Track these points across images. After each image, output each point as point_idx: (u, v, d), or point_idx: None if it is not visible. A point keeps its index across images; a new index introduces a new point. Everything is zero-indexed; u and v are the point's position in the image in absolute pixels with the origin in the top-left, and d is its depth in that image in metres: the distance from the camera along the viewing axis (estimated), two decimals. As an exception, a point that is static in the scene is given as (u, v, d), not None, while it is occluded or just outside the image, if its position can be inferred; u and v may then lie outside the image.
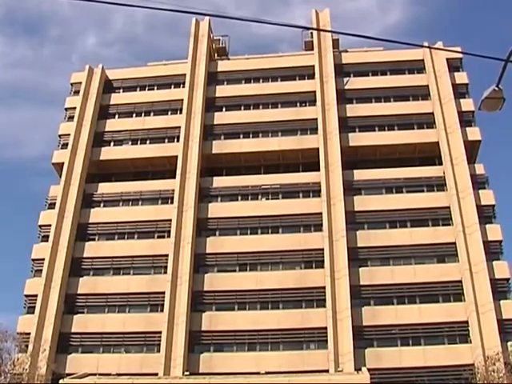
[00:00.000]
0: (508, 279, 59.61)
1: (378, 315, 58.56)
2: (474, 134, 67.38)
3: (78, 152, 70.20)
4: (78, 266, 64.70)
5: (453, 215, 61.96)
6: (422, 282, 58.99)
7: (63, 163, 69.59)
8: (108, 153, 71.63)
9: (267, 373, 51.08)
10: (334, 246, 61.41)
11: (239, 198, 67.20)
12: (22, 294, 63.89)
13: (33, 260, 65.69)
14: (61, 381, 45.20)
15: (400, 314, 58.15)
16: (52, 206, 67.94)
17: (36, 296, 61.87)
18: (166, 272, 62.22)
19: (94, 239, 66.70)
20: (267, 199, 66.49)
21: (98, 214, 67.65)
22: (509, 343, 52.32)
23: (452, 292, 59.32)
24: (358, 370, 53.19)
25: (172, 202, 65.94)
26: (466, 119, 67.97)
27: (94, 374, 49.45)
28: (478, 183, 64.31)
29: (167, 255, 62.70)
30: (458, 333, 57.51)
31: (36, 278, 63.69)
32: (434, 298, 59.13)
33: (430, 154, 66.16)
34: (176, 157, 67.91)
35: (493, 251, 60.50)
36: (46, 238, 65.74)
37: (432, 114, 68.63)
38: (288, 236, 63.87)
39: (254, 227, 65.14)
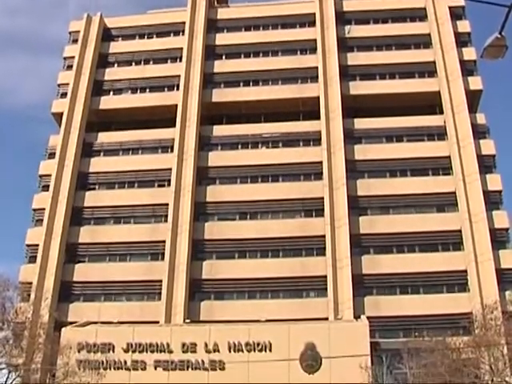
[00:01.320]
0: (507, 229, 59.77)
1: (377, 264, 58.86)
2: (475, 83, 66.77)
3: (78, 101, 69.68)
4: (78, 215, 64.86)
5: (453, 164, 61.82)
6: (422, 231, 59.12)
7: (62, 113, 69.14)
8: (107, 102, 71.14)
9: (267, 320, 51.46)
10: (334, 194, 61.47)
11: (239, 146, 67.00)
12: (23, 243, 64.52)
13: (33, 210, 65.76)
14: (63, 329, 45.62)
15: (399, 262, 58.42)
16: (52, 155, 67.76)
17: (37, 245, 62.20)
18: (166, 221, 62.41)
19: (94, 188, 66.67)
20: (267, 148, 66.27)
21: (98, 164, 67.53)
22: (507, 292, 52.70)
23: (451, 241, 59.50)
24: (357, 317, 53.68)
25: (172, 151, 65.80)
26: (467, 68, 67.24)
27: (96, 322, 49.93)
28: (479, 133, 63.92)
29: (167, 204, 62.84)
30: (456, 282, 57.90)
31: (37, 228, 63.90)
32: (433, 247, 59.35)
33: (431, 103, 65.58)
34: (176, 105, 67.49)
35: (492, 201, 60.52)
36: (46, 188, 65.72)
37: (433, 62, 67.90)
38: (288, 185, 63.84)
39: (254, 176, 65.08)
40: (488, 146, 63.37)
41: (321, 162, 63.19)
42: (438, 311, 54.75)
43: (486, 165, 62.35)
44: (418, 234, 59.25)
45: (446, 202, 61.24)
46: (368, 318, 50.04)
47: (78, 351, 42.00)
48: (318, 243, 60.34)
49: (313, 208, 62.69)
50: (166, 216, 62.61)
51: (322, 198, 61.38)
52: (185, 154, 65.03)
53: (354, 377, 37.23)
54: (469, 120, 63.26)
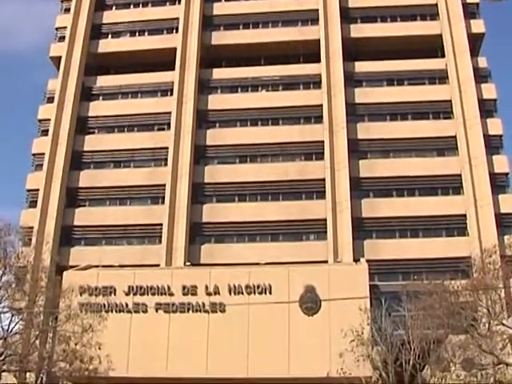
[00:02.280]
0: (507, 174, 59.67)
1: (377, 207, 58.98)
2: (477, 26, 65.82)
3: (76, 45, 68.61)
4: (78, 159, 64.64)
5: (454, 108, 61.43)
6: (422, 175, 59.07)
7: (61, 56, 68.18)
8: (106, 45, 70.16)
9: (267, 263, 51.74)
10: (334, 137, 61.27)
11: (239, 89, 66.50)
12: (23, 188, 64.57)
13: (33, 155, 65.50)
14: (65, 272, 45.92)
15: (399, 206, 58.51)
16: (51, 99, 67.14)
17: (37, 190, 62.13)
18: (166, 164, 62.33)
19: (93, 133, 66.34)
20: (267, 91, 65.80)
21: (97, 108, 67.02)
22: (505, 237, 52.87)
23: (451, 185, 59.51)
24: (356, 260, 54.01)
25: (171, 94, 65.27)
26: (469, 11, 66.25)
27: (97, 266, 50.19)
28: (480, 77, 63.27)
29: (167, 148, 62.66)
30: (456, 226, 58.10)
31: (37, 173, 63.77)
32: (433, 191, 59.35)
33: (432, 46, 64.59)
34: (175, 48, 66.67)
35: (493, 145, 60.31)
36: (45, 133, 65.29)
37: (435, 5, 66.75)
38: (288, 128, 63.54)
39: (254, 119, 64.78)
40: (489, 90, 62.86)
41: (321, 105, 62.79)
42: (437, 255, 55.07)
43: (487, 109, 61.93)
44: (418, 178, 59.20)
45: (446, 146, 61.01)
46: (367, 261, 50.36)
47: (80, 294, 42.30)
48: (318, 186, 60.38)
49: (313, 151, 62.56)
50: (166, 160, 62.48)
51: (322, 142, 61.21)
52: (184, 97, 64.56)
53: (353, 319, 37.59)
54: (470, 64, 62.58)
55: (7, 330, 36.04)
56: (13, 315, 36.88)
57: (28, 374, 39.22)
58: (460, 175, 59.04)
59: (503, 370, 34.61)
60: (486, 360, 34.77)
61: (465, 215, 57.68)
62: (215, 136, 64.17)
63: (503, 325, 35.05)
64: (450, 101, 62.05)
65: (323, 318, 41.68)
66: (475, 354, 35.10)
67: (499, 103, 62.97)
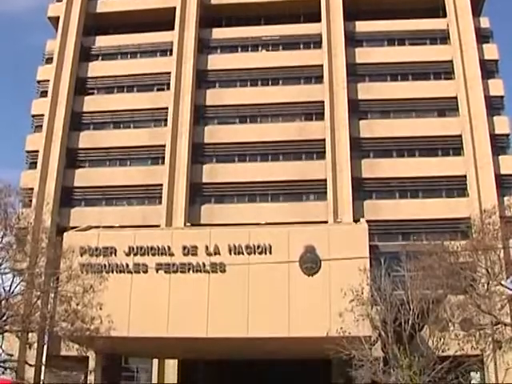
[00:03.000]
0: (508, 135, 59.66)
1: (377, 168, 59.06)
2: (479, -16, 65.23)
3: (74, 5, 67.73)
4: (78, 120, 64.57)
5: (455, 69, 61.07)
6: (422, 136, 59.04)
7: (59, 17, 67.59)
8: (105, 5, 69.25)
9: (267, 223, 51.90)
10: (335, 98, 61.09)
11: (239, 49, 66.09)
12: (23, 150, 64.57)
13: (32, 116, 65.52)
14: (65, 233, 46.00)
15: (399, 166, 58.60)
16: (49, 60, 66.68)
17: (37, 152, 62.18)
18: (166, 125, 62.24)
19: (92, 93, 66.10)
20: (267, 51, 65.38)
21: (96, 68, 66.62)
22: (505, 198, 52.99)
23: (451, 146, 59.47)
24: (356, 221, 54.13)
25: (171, 55, 64.84)
26: (471, -31, 65.56)
27: (98, 227, 50.25)
28: (482, 37, 62.85)
29: (167, 108, 62.47)
30: (455, 186, 58.22)
31: (36, 134, 63.76)
32: (433, 151, 59.37)
33: (434, 6, 63.82)
34: (174, 8, 66.00)
35: (494, 106, 60.21)
36: (44, 94, 65.07)
37: (437, -37, 66.13)
38: (288, 88, 63.33)
39: (254, 79, 64.51)
40: (491, 51, 62.48)
41: (321, 65, 62.45)
42: (436, 215, 55.29)
43: (489, 70, 61.71)
44: (418, 139, 59.19)
45: (446, 107, 60.88)
46: (367, 221, 50.39)
47: (81, 255, 42.34)
48: (318, 147, 60.39)
49: (313, 111, 62.47)
50: (166, 120, 62.35)
51: (322, 102, 61.04)
52: (184, 57, 64.13)
53: (353, 279, 37.61)
54: (472, 24, 62.12)
55: (9, 290, 36.18)
56: (14, 276, 36.98)
57: (30, 334, 39.53)
58: (460, 136, 58.97)
59: (501, 330, 34.85)
60: (485, 320, 34.99)
61: (465, 176, 57.74)
62: (215, 96, 63.95)
63: (502, 285, 35.23)
64: (451, 61, 61.69)
65: (323, 278, 41.77)
66: (474, 314, 35.29)
67: (501, 64, 62.76)
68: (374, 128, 60.52)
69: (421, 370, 33.65)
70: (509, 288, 34.52)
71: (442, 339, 35.22)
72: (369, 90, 61.90)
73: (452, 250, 37.50)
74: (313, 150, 61.01)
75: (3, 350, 40.45)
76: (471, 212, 49.41)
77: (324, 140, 59.87)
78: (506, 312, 35.35)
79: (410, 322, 34.81)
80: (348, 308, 36.10)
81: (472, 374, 45.64)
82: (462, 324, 36.00)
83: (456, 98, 60.28)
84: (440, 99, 60.79)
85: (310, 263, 42.40)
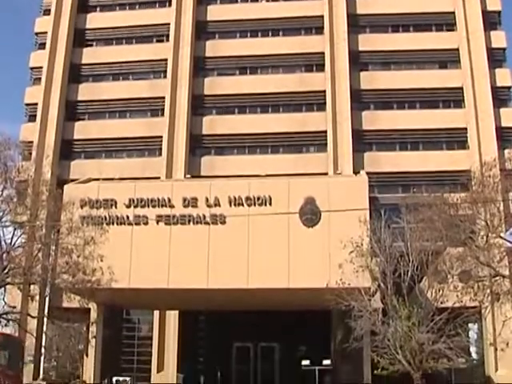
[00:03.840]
0: (509, 87, 59.13)
1: (377, 120, 58.85)
2: None
3: (73, -45, 66.87)
4: (76, 72, 64.02)
5: (457, 20, 60.26)
6: (423, 88, 58.54)
7: (57, -33, 66.65)
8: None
9: (267, 175, 51.85)
10: (335, 49, 60.59)
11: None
12: (22, 103, 64.14)
13: (31, 68, 65.00)
14: (65, 186, 45.98)
15: (399, 118, 58.35)
16: (47, 12, 65.72)
17: (36, 104, 61.89)
18: (165, 77, 61.87)
19: (91, 45, 65.32)
20: (267, 1, 64.52)
21: (94, 20, 65.67)
22: (506, 150, 52.79)
23: (452, 98, 59.14)
24: (356, 172, 54.21)
25: (170, 5, 64.04)
26: None
27: (98, 179, 50.24)
28: (485, -13, 62.11)
29: (166, 60, 62.02)
30: (456, 139, 58.08)
31: (35, 87, 63.24)
32: (434, 103, 59.07)
33: None
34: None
35: (496, 58, 59.63)
36: (42, 46, 64.34)
37: None
38: (289, 39, 62.73)
39: (254, 30, 63.80)
40: (493, 2, 61.45)
41: (322, 16, 61.74)
42: (436, 168, 55.24)
43: (491, 21, 60.86)
44: (419, 91, 58.76)
45: (448, 59, 60.31)
46: (367, 173, 50.44)
47: (81, 207, 42.39)
48: (318, 98, 60.16)
49: (313, 63, 62.06)
50: (165, 72, 61.95)
51: (323, 53, 60.61)
52: (183, 7, 63.30)
53: (353, 230, 37.72)
54: (473, -26, 61.26)
55: (10, 243, 36.34)
56: (15, 229, 37.07)
57: (32, 286, 39.76)
58: (462, 88, 58.60)
59: (500, 282, 35.02)
60: (483, 272, 35.16)
61: (465, 128, 57.57)
62: (214, 47, 63.38)
63: (501, 238, 35.28)
64: (453, 12, 60.90)
65: (323, 230, 41.91)
66: (473, 266, 35.46)
67: (503, 16, 61.88)
68: (375, 80, 60.13)
69: (419, 320, 34.00)
70: (508, 240, 34.58)
71: (441, 291, 35.53)
72: (370, 42, 61.28)
73: (452, 203, 37.57)
74: (313, 101, 60.74)
75: (5, 303, 40.71)
76: (471, 164, 49.27)
77: (324, 91, 59.55)
78: (504, 264, 35.47)
79: (409, 273, 35.06)
80: (348, 259, 36.31)
81: (470, 325, 46.12)
82: (461, 276, 36.23)
83: (457, 49, 59.68)
84: (441, 51, 60.15)
85: (310, 215, 42.51)
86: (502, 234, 35.51)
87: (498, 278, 35.08)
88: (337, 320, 49.76)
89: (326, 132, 58.38)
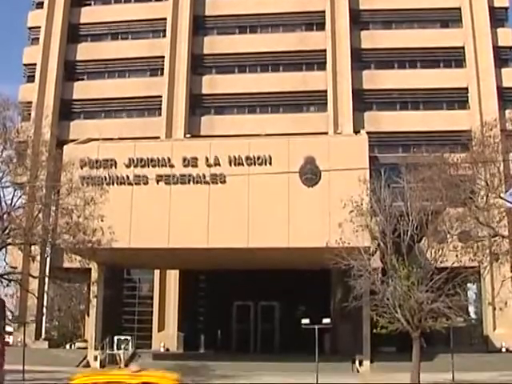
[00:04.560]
0: (511, 47, 58.79)
1: (378, 79, 58.60)
2: None
3: None
4: (75, 32, 63.68)
5: (458, -23, 59.88)
6: (424, 47, 58.20)
7: None
8: None
9: (267, 135, 51.74)
10: (336, 7, 60.26)
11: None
12: (21, 63, 63.91)
13: (29, 28, 64.61)
14: (65, 146, 45.89)
15: (400, 78, 58.08)
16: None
17: (35, 65, 61.55)
18: (164, 36, 61.66)
19: (90, 4, 64.94)
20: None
21: (92, -21, 65.25)
22: (507, 111, 52.71)
23: (453, 58, 58.84)
24: (356, 132, 54.09)
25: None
26: None
27: (97, 139, 50.08)
28: None
29: (165, 18, 61.85)
30: (457, 99, 57.97)
31: (34, 47, 62.96)
32: (435, 63, 58.83)
33: None
34: None
35: (498, 18, 59.19)
36: (40, 5, 63.94)
37: None
38: (289, -2, 62.10)
39: (254, -12, 63.11)
40: (495, -39, 60.83)
41: (322, -28, 61.01)
42: (437, 128, 55.11)
43: (494, -20, 60.27)
44: (420, 50, 58.46)
45: (450, 18, 59.85)
46: (367, 133, 50.23)
47: (81, 168, 42.31)
48: (319, 57, 59.89)
49: (313, 21, 61.77)
50: (164, 31, 61.69)
51: (323, 12, 60.37)
52: (182, -35, 62.61)
53: (353, 189, 37.59)
54: None
55: (10, 204, 36.31)
56: (15, 190, 37.06)
57: (33, 247, 39.82)
58: (463, 48, 58.28)
59: (499, 242, 35.10)
60: (483, 232, 35.20)
61: (466, 88, 57.37)
62: (214, 5, 62.86)
63: (501, 198, 35.26)
64: (454, -29, 60.25)
65: (323, 189, 41.89)
66: (472, 226, 35.48)
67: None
68: (376, 39, 59.70)
69: (418, 280, 34.07)
70: (508, 201, 34.57)
71: (440, 251, 35.56)
72: (370, 0, 60.61)
73: (452, 163, 37.50)
74: (313, 60, 60.45)
75: (7, 263, 40.89)
76: (472, 124, 49.15)
77: (325, 50, 59.23)
78: (504, 224, 35.56)
79: (408, 233, 35.04)
80: (347, 219, 36.24)
81: (469, 285, 46.42)
82: (461, 236, 36.29)
83: (459, 8, 59.20)
84: (443, 10, 59.61)
85: (310, 174, 42.43)
86: (501, 195, 35.51)
87: (497, 238, 35.17)
88: (336, 279, 50.09)
89: (326, 91, 58.21)
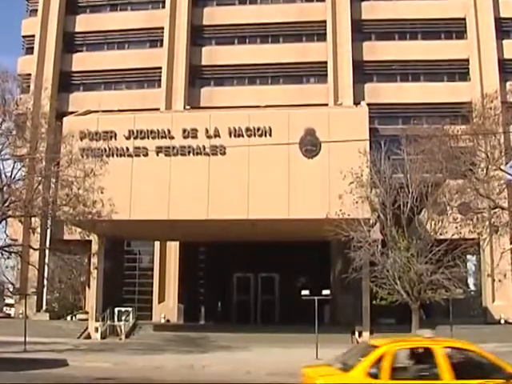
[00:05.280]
0: (513, 18, 58.45)
1: (378, 50, 58.22)
2: None
3: None
4: (74, 3, 63.10)
5: None
6: (425, 18, 57.45)
7: None
8: None
9: (267, 106, 51.66)
10: (336, -23, 59.56)
11: None
12: (19, 35, 63.69)
13: (27, 0, 64.15)
14: (65, 118, 45.77)
15: (401, 49, 57.68)
16: None
17: (33, 36, 61.21)
18: (163, 7, 61.03)
19: (88, -23, 64.50)
20: None
21: None
22: (508, 83, 52.44)
23: (455, 29, 58.38)
24: (357, 104, 53.86)
25: None
26: None
27: (97, 111, 49.97)
28: None
29: (165, -9, 61.17)
30: (457, 70, 57.63)
31: (32, 18, 62.54)
32: (435, 34, 58.27)
33: None
34: None
35: (500, -13, 58.79)
36: (38, -23, 63.44)
37: None
38: (288, -32, 61.63)
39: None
40: None
41: None
42: (437, 99, 54.86)
43: None
44: (421, 21, 57.82)
45: (451, -11, 59.39)
46: (368, 104, 50.01)
47: (81, 140, 42.17)
48: (319, 28, 59.48)
49: (314, -7, 61.09)
50: (164, 1, 61.12)
51: (324, -17, 59.64)
52: None
53: (353, 161, 37.66)
54: None
55: (10, 176, 36.31)
56: (15, 162, 37.01)
57: (33, 219, 39.90)
58: (464, 19, 57.75)
59: (499, 214, 35.23)
60: (483, 204, 35.30)
61: (467, 60, 57.02)
62: (214, -24, 62.32)
63: (501, 170, 35.36)
64: None
65: (323, 160, 41.79)
66: (472, 198, 35.59)
67: None
68: (376, 9, 59.17)
69: (418, 252, 34.31)
70: (508, 173, 34.69)
71: (440, 222, 35.76)
72: (371, -30, 60.18)
73: (452, 134, 37.45)
74: (313, 31, 60.10)
75: (7, 235, 40.98)
76: (473, 96, 48.91)
77: (325, 21, 58.83)
78: (503, 196, 35.66)
79: (408, 205, 35.21)
80: (347, 190, 36.36)
81: (468, 256, 46.55)
82: (460, 208, 36.42)
83: (461, -22, 58.69)
84: (444, -20, 59.13)
85: (310, 146, 42.34)
86: (502, 167, 35.59)
87: (497, 210, 35.27)
88: (336, 251, 50.25)
89: (326, 63, 57.93)
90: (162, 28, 59.96)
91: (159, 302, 55.59)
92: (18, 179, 37.16)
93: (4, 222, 38.63)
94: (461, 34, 58.16)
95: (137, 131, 44.26)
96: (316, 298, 36.80)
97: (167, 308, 54.94)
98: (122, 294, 55.88)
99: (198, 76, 60.36)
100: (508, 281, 38.47)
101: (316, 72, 59.16)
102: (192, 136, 43.62)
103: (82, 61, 61.46)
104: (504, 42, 57.18)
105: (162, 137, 44.01)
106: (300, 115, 44.66)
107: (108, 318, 48.70)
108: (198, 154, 43.46)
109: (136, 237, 55.10)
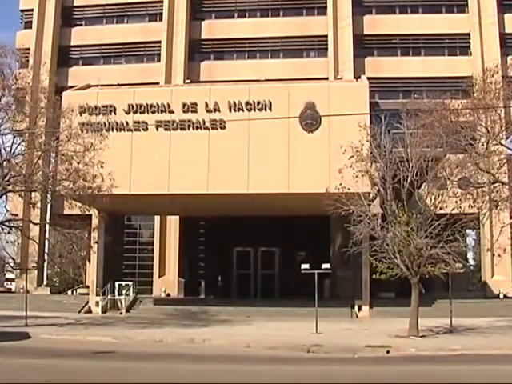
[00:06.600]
0: (515, -7, 58.05)
1: (379, 24, 58.07)
2: None
3: None
4: (72, -24, 62.86)
5: None
6: (427, -9, 57.59)
7: None
8: None
9: (267, 80, 51.52)
10: (336, -49, 59.09)
11: None
12: (18, 9, 63.27)
13: (26, -25, 63.79)
14: (64, 93, 45.61)
15: (401, 23, 57.60)
16: None
17: (32, 10, 60.89)
18: (163, -19, 60.63)
19: (87, -51, 63.92)
20: None
21: None
22: (509, 57, 52.20)
23: (456, 3, 58.15)
24: (357, 78, 53.66)
25: None
26: None
27: (96, 85, 49.81)
28: None
29: (165, -37, 60.64)
30: (458, 45, 57.47)
31: (30, -8, 62.25)
32: (436, 8, 58.11)
33: None
34: None
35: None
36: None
37: None
38: None
39: None
40: None
41: None
42: (438, 74, 54.74)
43: None
44: (422, -4, 57.73)
45: (453, -37, 58.98)
46: (368, 78, 49.82)
47: (80, 114, 42.03)
48: (320, 2, 59.28)
49: (314, -34, 60.66)
50: (163, -26, 60.69)
51: (325, -47, 59.19)
52: None
53: (353, 135, 37.39)
54: None
55: (10, 151, 36.24)
56: (14, 137, 36.92)
57: (33, 193, 39.88)
58: (466, -8, 57.48)
59: (499, 189, 35.14)
60: (483, 179, 35.19)
61: (468, 34, 56.83)
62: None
63: (501, 145, 35.21)
64: None
65: (323, 135, 41.76)
66: (472, 173, 35.47)
67: None
68: (377, -17, 58.94)
69: (418, 226, 34.19)
70: (508, 148, 34.58)
71: (440, 197, 35.61)
72: None
73: (453, 109, 37.26)
74: (314, 5, 60.00)
75: (7, 210, 41.02)
76: (473, 71, 48.81)
77: (325, -5, 58.50)
78: (504, 171, 35.51)
79: (408, 179, 35.03)
80: (347, 164, 36.15)
81: (468, 231, 46.67)
82: (460, 182, 36.30)
83: (462, -49, 58.24)
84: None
85: (310, 120, 42.28)
86: (502, 141, 35.47)
87: (497, 184, 35.17)
88: (336, 225, 50.30)
89: (326, 36, 57.75)
90: (161, 1, 59.73)
91: (159, 277, 55.81)
92: (18, 154, 37.09)
93: (4, 196, 38.65)
94: (462, 7, 57.87)
95: (136, 105, 44.19)
96: (316, 272, 36.85)
97: (167, 282, 55.16)
98: (123, 268, 56.04)
99: (197, 50, 60.16)
100: (507, 256, 38.50)
101: (316, 46, 58.99)
102: (192, 110, 43.53)
103: (81, 35, 61.22)
104: (505, 16, 56.84)
105: (162, 111, 43.92)
106: (300, 89, 44.55)
107: (109, 293, 48.90)
108: (197, 128, 43.39)
109: (136, 211, 55.17)
